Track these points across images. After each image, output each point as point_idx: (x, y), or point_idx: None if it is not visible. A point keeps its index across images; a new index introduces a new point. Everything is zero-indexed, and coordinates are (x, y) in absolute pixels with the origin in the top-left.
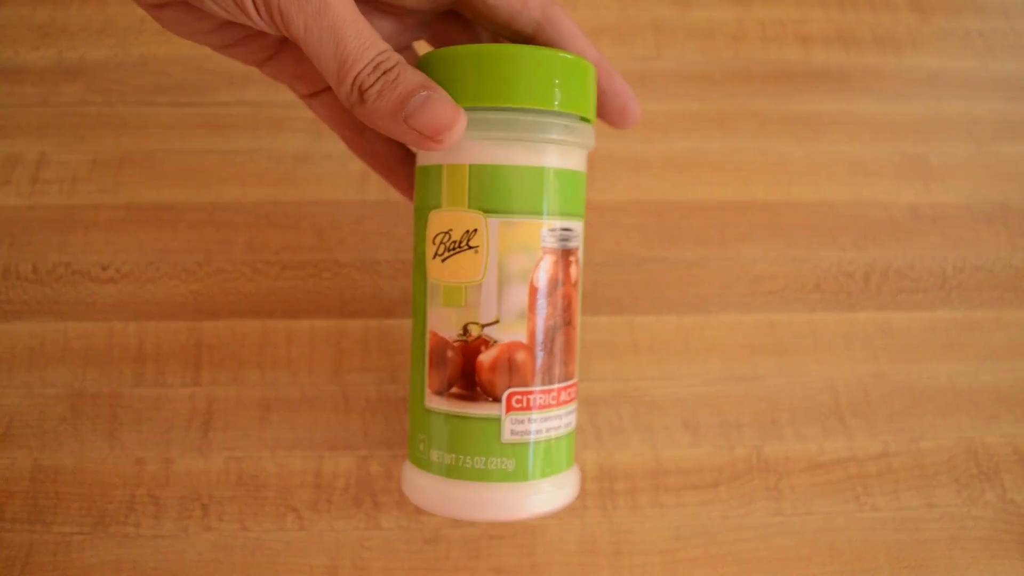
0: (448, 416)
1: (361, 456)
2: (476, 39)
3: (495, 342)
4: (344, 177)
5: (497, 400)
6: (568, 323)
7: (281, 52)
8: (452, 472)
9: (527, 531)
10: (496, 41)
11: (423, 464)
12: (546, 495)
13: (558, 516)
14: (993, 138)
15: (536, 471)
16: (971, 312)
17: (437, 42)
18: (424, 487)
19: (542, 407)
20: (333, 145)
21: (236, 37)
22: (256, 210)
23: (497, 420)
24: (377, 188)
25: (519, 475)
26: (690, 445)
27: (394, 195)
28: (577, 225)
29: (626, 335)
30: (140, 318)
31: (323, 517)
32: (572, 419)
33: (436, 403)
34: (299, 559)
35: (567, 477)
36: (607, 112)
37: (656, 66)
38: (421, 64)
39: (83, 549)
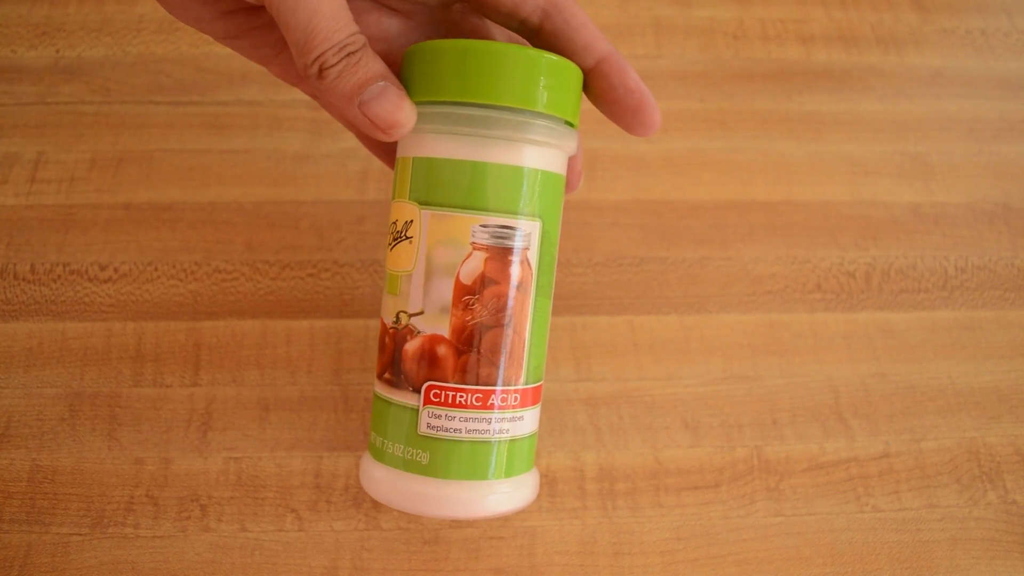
0: (380, 400)
1: (360, 456)
2: (487, 38)
3: (419, 333)
4: (343, 177)
5: (417, 391)
6: (500, 325)
7: (287, 49)
8: (378, 455)
9: (527, 532)
10: (510, 37)
11: (369, 446)
12: (455, 499)
13: (558, 517)
14: (995, 137)
15: (450, 471)
16: (973, 312)
17: None
18: (362, 465)
19: (462, 406)
20: (333, 145)
21: (240, 27)
22: (255, 210)
23: (415, 410)
24: (377, 188)
25: (433, 470)
26: (690, 445)
27: None
28: (525, 224)
29: (626, 335)
30: (138, 318)
31: (323, 518)
32: (507, 427)
33: (376, 387)
34: (298, 560)
35: (488, 487)
36: (621, 114)
37: (657, 65)
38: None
39: (81, 550)
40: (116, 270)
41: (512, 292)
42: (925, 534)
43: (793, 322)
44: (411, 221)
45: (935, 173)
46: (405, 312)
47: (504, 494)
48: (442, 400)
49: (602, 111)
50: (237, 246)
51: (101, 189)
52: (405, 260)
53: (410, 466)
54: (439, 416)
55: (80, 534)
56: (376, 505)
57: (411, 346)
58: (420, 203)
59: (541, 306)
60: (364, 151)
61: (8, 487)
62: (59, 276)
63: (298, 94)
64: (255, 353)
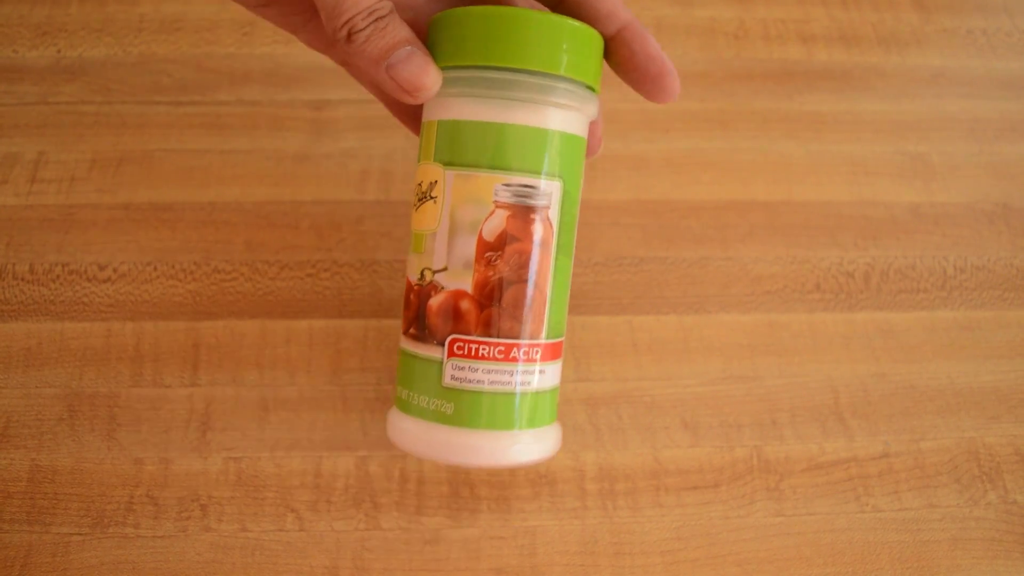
0: (405, 355)
1: (360, 456)
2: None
3: (443, 288)
4: (343, 177)
5: (441, 344)
6: (522, 280)
7: (317, 17)
8: (405, 407)
9: (527, 532)
10: (532, 6)
11: (395, 400)
12: (480, 448)
13: (558, 517)
14: (995, 137)
15: (475, 421)
16: (972, 312)
17: None
18: (389, 418)
19: (486, 358)
20: (333, 145)
21: None
22: (255, 210)
23: (439, 363)
24: (377, 188)
25: (458, 420)
26: (690, 445)
27: (393, 195)
28: (546, 184)
29: (626, 335)
30: (138, 318)
31: (323, 518)
32: (529, 379)
33: (402, 343)
34: (299, 560)
35: (511, 437)
36: (642, 80)
37: None
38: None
39: (82, 550)
40: (115, 270)
41: (534, 249)
42: (925, 534)
43: (792, 322)
44: (435, 182)
45: (935, 173)
46: (429, 269)
47: (527, 444)
48: (465, 352)
49: (623, 78)
50: (237, 246)
51: (101, 189)
52: (430, 219)
53: (436, 416)
54: (463, 368)
55: (80, 534)
56: (376, 505)
57: (435, 301)
58: (444, 164)
59: (562, 264)
60: (364, 151)
61: (8, 487)
62: (58, 276)
63: (298, 94)
64: (254, 353)
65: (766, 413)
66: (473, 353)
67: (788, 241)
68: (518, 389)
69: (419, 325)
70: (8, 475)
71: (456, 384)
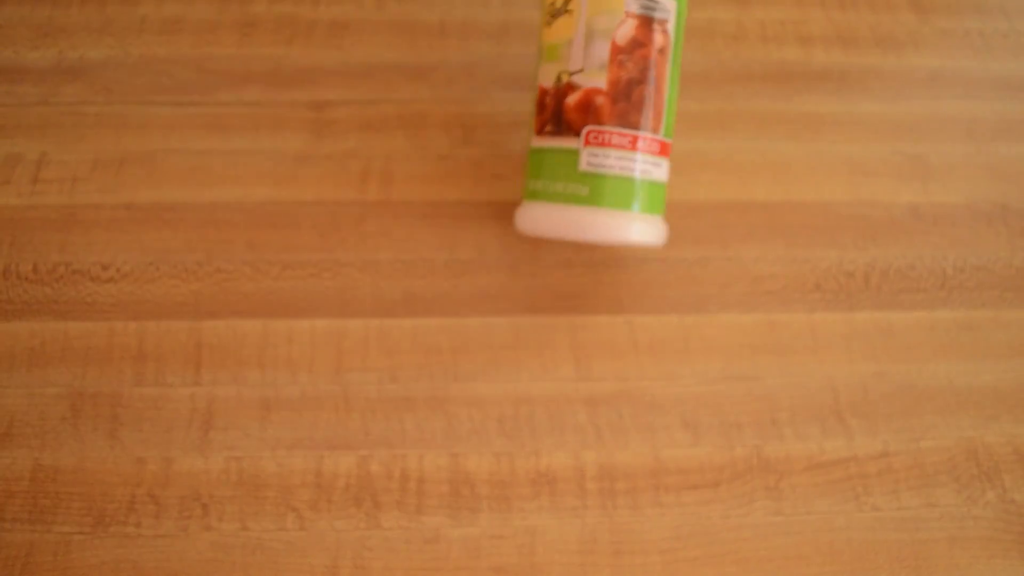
0: (541, 150)
1: (361, 456)
2: None
3: (579, 87)
4: (344, 177)
5: (577, 135)
6: (644, 81)
7: None
8: (537, 196)
9: (527, 531)
10: None
11: (526, 194)
12: (609, 225)
13: (558, 516)
14: (993, 138)
15: (606, 200)
16: (971, 312)
17: None
18: (518, 214)
19: (616, 146)
20: (334, 145)
21: None
22: (257, 210)
23: (576, 152)
24: (377, 188)
25: (592, 200)
26: (690, 445)
27: (394, 195)
28: (665, 1)
29: (626, 335)
30: (140, 318)
31: (323, 517)
32: (649, 168)
33: (536, 141)
34: (299, 559)
35: (638, 217)
36: None
37: None
38: None
39: (83, 549)
40: (118, 270)
41: (655, 55)
42: (924, 533)
43: (792, 322)
44: None
45: (933, 173)
46: (566, 71)
47: (646, 224)
48: (599, 141)
49: None
50: (238, 246)
51: (103, 189)
52: (565, 29)
53: (571, 199)
54: (596, 155)
55: (82, 533)
56: (377, 504)
57: (572, 99)
58: None
59: (675, 73)
60: (364, 151)
61: (10, 486)
62: (61, 276)
63: (298, 94)
64: (256, 353)
65: (766, 412)
66: (606, 141)
67: (788, 241)
68: (639, 176)
69: (555, 122)
70: (11, 474)
71: (591, 169)
